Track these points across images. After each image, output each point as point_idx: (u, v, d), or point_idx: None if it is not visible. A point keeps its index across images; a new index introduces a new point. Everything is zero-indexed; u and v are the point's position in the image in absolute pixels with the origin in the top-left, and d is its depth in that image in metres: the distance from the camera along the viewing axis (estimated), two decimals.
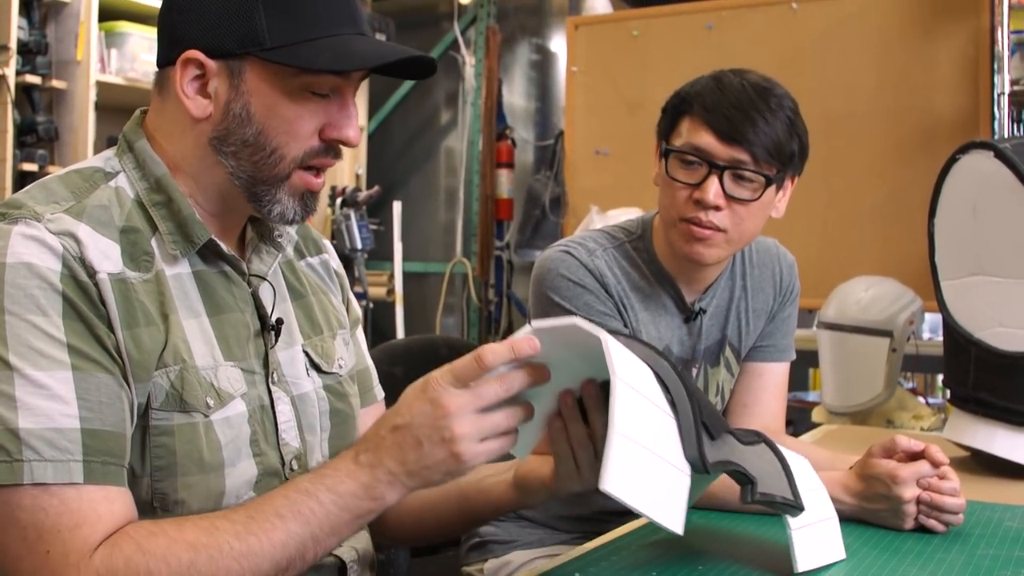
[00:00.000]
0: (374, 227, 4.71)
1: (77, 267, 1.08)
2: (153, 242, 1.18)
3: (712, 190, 1.63)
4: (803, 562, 1.28)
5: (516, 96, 5.27)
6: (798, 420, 3.73)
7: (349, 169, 4.85)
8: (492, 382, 1.08)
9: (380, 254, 5.02)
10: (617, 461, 1.00)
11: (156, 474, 1.12)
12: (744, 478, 1.20)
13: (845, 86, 3.73)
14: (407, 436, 1.08)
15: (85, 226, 1.12)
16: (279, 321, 1.28)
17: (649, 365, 1.13)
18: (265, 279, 1.29)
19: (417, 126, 5.47)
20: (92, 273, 1.09)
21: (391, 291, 4.93)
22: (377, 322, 5.09)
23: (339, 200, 4.02)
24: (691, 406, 1.13)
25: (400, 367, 2.26)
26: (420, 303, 5.27)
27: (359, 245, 3.93)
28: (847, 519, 1.51)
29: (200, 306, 1.20)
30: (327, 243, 1.51)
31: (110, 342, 1.09)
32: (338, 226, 3.95)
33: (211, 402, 1.16)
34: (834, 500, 1.51)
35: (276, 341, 1.27)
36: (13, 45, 3.41)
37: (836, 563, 1.32)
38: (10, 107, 3.39)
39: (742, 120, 1.61)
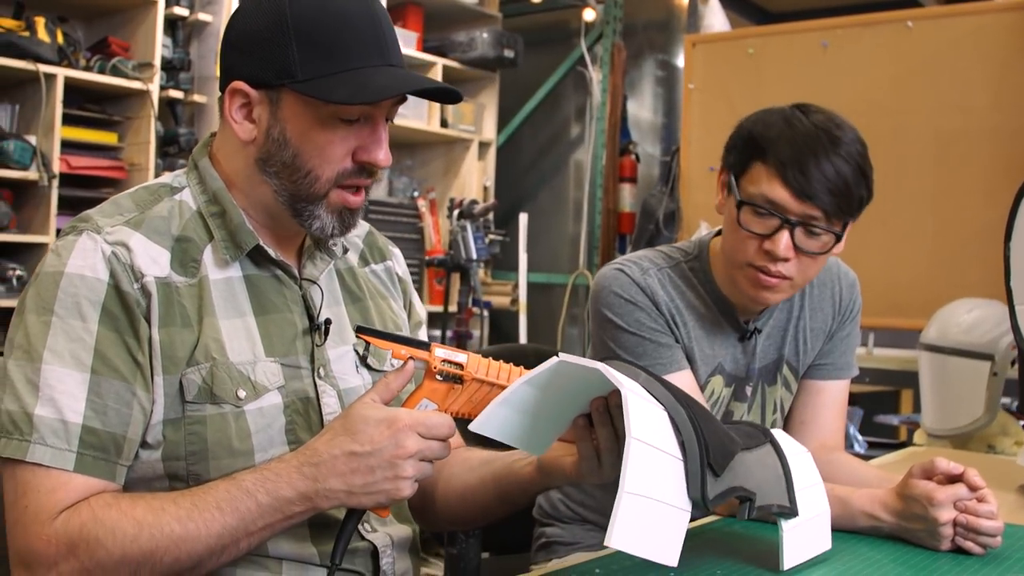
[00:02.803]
0: (499, 238, 4.82)
1: (123, 275, 1.24)
2: (208, 249, 1.33)
3: (783, 243, 1.66)
4: (789, 560, 1.35)
5: (644, 111, 5.32)
6: (910, 443, 3.67)
7: (477, 181, 4.98)
8: (442, 445, 1.22)
9: (506, 264, 5.14)
10: (624, 520, 1.09)
11: (190, 457, 1.26)
12: (744, 497, 1.27)
13: (958, 105, 3.66)
14: (361, 463, 1.17)
15: (140, 235, 1.28)
16: (327, 321, 1.39)
17: (665, 408, 1.21)
18: (315, 283, 1.41)
19: (546, 139, 5.56)
20: (139, 277, 1.25)
21: (515, 301, 5.03)
22: (502, 330, 5.21)
23: (456, 212, 4.14)
24: (699, 450, 1.20)
25: None
26: (547, 313, 5.36)
27: (474, 256, 4.03)
28: (886, 537, 1.55)
29: (247, 306, 1.34)
30: (395, 251, 1.63)
31: (137, 347, 1.24)
32: (455, 237, 4.07)
33: (243, 394, 1.29)
34: (873, 518, 1.55)
35: (325, 339, 1.39)
36: (157, 63, 3.65)
37: None
38: (153, 120, 3.63)
39: (818, 178, 1.62)
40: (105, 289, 1.23)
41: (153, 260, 1.27)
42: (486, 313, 4.58)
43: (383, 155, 1.32)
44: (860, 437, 3.79)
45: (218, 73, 1.37)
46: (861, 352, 4.11)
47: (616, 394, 1.23)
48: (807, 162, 1.63)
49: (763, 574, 1.37)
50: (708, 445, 1.21)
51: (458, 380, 1.23)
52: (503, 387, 1.23)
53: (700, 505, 1.20)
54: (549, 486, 1.43)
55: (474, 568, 1.99)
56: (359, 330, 1.26)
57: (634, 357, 1.76)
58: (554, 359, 1.20)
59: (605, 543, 1.09)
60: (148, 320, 1.25)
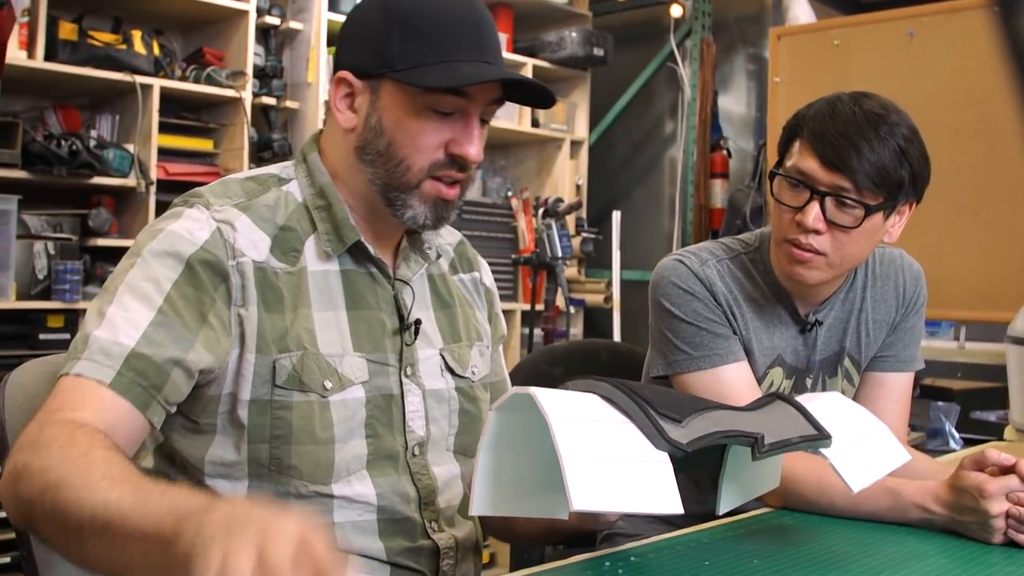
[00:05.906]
0: (592, 236, 4.84)
1: (221, 249, 1.31)
2: (310, 240, 1.39)
3: (812, 215, 1.66)
4: (858, 484, 1.34)
5: (737, 106, 5.27)
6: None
7: (570, 180, 5.00)
8: None
9: (600, 262, 5.15)
10: (575, 481, 1.05)
11: (275, 441, 1.31)
12: (744, 439, 1.24)
13: None
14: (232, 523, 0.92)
15: (246, 218, 1.35)
16: (417, 321, 1.43)
17: (592, 391, 1.20)
18: (408, 284, 1.46)
19: (639, 137, 5.56)
20: (237, 255, 1.31)
21: (608, 298, 5.04)
22: (597, 328, 5.23)
23: (541, 211, 4.19)
24: (641, 408, 1.18)
25: (560, 368, 2.39)
26: (642, 310, 5.33)
27: (559, 253, 4.07)
28: (939, 529, 1.53)
29: (341, 301, 1.39)
30: (483, 263, 1.67)
31: (211, 308, 1.28)
32: (540, 235, 4.11)
33: (330, 385, 1.34)
34: (925, 510, 1.54)
35: (415, 339, 1.43)
36: (249, 71, 3.76)
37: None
38: (246, 126, 3.74)
39: (846, 147, 1.62)
40: (197, 251, 1.29)
41: (253, 244, 1.34)
42: (573, 310, 4.60)
43: (474, 150, 1.36)
44: (956, 434, 3.71)
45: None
46: (952, 347, 4.01)
47: None
48: (839, 134, 1.63)
49: (797, 564, 1.37)
50: (649, 401, 1.18)
51: None
52: None
53: (678, 452, 1.16)
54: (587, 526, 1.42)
55: (538, 559, 2.02)
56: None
57: (691, 347, 1.78)
58: (491, 413, 1.16)
59: (571, 509, 1.05)
60: (243, 297, 1.31)
